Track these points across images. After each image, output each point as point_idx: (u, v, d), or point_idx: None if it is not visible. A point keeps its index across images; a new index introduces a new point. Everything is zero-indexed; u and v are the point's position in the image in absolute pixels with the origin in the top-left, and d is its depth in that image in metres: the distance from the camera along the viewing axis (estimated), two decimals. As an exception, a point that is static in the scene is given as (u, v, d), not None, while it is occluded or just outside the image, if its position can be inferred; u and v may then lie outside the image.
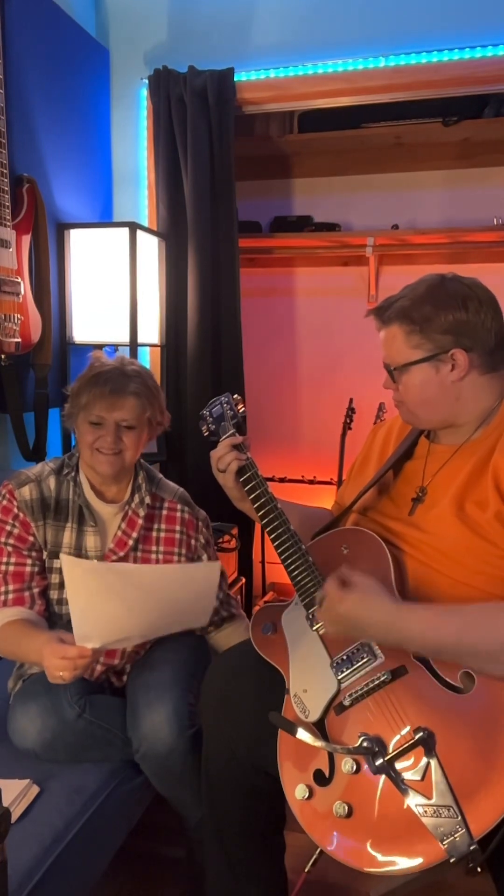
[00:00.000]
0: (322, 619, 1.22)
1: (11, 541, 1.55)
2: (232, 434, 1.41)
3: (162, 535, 1.65)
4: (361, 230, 3.15)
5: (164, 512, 1.66)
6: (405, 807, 0.97)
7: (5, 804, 1.15)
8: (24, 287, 1.98)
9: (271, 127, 3.00)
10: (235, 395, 1.48)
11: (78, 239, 2.36)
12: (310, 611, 1.25)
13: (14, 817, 1.27)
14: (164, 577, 1.40)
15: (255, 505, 1.36)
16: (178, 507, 1.68)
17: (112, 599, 1.30)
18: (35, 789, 1.37)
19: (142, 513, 1.61)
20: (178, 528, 1.66)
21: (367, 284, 3.19)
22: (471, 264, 3.05)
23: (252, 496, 1.36)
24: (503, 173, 3.04)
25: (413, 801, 0.97)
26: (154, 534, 1.64)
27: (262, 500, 1.36)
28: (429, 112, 2.74)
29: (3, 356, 1.94)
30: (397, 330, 1.28)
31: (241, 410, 1.46)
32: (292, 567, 1.30)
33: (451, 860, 0.95)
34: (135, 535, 1.60)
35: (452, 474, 1.29)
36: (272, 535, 1.33)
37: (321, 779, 1.13)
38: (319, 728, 1.17)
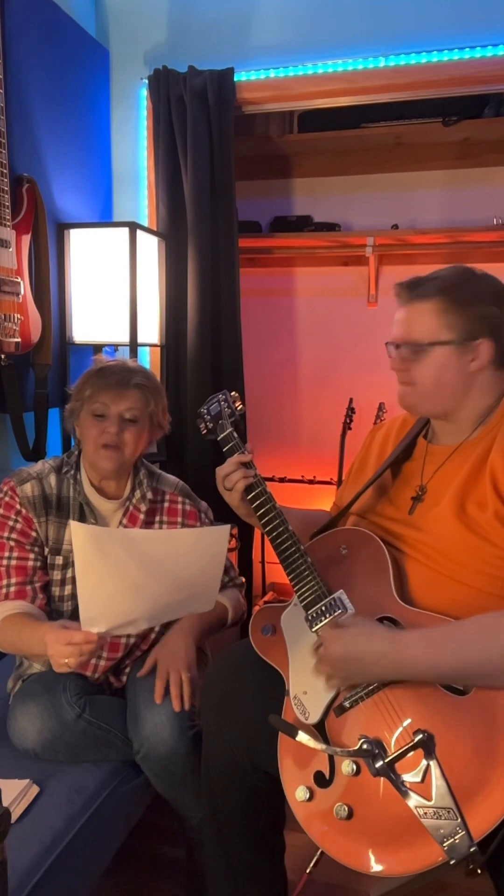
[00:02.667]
0: (322, 668, 1.18)
1: (14, 535, 1.56)
2: (235, 443, 1.39)
3: (164, 526, 1.66)
4: (361, 230, 3.14)
5: (166, 504, 1.67)
6: (405, 809, 0.97)
7: (5, 804, 1.15)
8: (24, 287, 1.98)
9: (271, 127, 3.00)
10: (233, 393, 1.47)
11: (78, 239, 2.35)
12: (309, 612, 1.25)
13: (14, 817, 1.27)
14: (172, 540, 1.36)
15: (263, 521, 1.34)
16: (180, 499, 1.69)
17: (120, 572, 1.27)
18: (35, 789, 1.37)
19: (143, 507, 1.62)
20: (179, 519, 1.68)
21: (367, 284, 3.19)
22: (471, 264, 3.04)
23: (259, 512, 1.34)
24: (503, 173, 3.04)
25: (413, 803, 0.97)
26: (156, 526, 1.65)
27: (269, 516, 1.33)
28: (429, 112, 2.74)
29: (3, 356, 1.94)
30: (432, 306, 1.26)
31: (238, 408, 1.45)
32: (293, 568, 1.29)
33: (451, 862, 0.95)
34: (136, 529, 1.60)
35: (451, 474, 1.28)
36: (279, 550, 1.31)
37: (321, 780, 1.13)
38: (319, 730, 1.17)
